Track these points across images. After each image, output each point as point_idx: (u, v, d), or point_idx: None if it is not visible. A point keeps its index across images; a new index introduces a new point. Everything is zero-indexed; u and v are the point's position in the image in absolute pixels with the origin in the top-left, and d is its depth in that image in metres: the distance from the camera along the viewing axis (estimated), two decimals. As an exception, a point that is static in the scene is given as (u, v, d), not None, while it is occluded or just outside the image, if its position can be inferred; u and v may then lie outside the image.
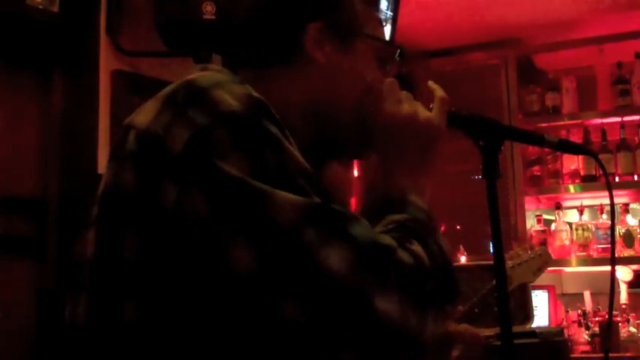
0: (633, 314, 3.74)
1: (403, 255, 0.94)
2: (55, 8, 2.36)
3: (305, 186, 0.93)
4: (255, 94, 0.98)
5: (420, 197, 1.08)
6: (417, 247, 0.97)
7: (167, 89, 1.01)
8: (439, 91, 1.16)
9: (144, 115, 0.99)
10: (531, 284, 2.97)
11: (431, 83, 1.17)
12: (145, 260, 0.94)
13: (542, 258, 2.44)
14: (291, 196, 0.90)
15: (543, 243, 3.87)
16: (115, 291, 0.97)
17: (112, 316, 0.96)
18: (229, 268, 0.90)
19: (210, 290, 0.92)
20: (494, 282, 1.27)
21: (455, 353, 2.21)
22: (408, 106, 1.12)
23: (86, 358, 1.00)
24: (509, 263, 2.34)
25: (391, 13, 3.10)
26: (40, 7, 2.33)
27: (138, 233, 0.95)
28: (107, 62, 2.51)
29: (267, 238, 0.89)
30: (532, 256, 2.43)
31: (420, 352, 0.95)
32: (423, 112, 1.12)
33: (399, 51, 1.23)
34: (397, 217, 1.03)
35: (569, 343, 3.52)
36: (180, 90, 0.99)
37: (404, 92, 1.15)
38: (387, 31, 3.10)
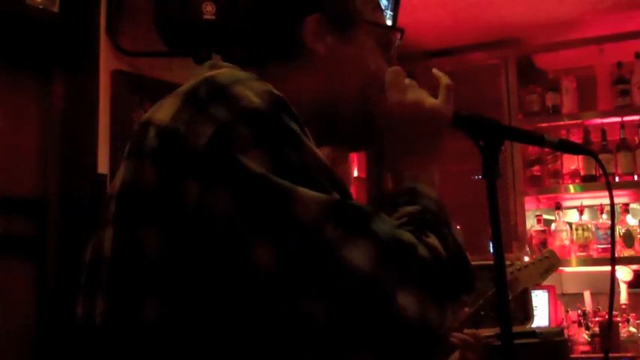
0: (633, 314, 3.74)
1: (422, 250, 0.94)
2: (55, 8, 2.36)
3: (325, 183, 0.92)
4: (275, 91, 0.97)
5: (430, 186, 1.08)
6: (433, 240, 0.97)
7: (187, 86, 1.00)
8: (444, 79, 1.15)
9: (164, 111, 0.98)
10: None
11: (436, 71, 1.17)
12: (166, 257, 0.93)
13: (550, 260, 2.43)
14: (312, 193, 0.90)
15: (543, 243, 3.87)
16: (135, 289, 0.95)
17: (132, 315, 0.95)
18: (252, 264, 0.89)
19: (233, 287, 0.91)
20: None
21: (454, 356, 2.22)
22: (413, 93, 1.12)
23: (105, 357, 0.99)
24: (516, 264, 2.33)
25: (391, 13, 3.10)
26: (40, 7, 2.33)
27: (159, 230, 0.93)
28: (107, 62, 2.51)
29: (290, 234, 0.89)
30: (539, 258, 2.42)
31: (439, 345, 0.95)
32: (428, 100, 1.12)
33: (400, 35, 1.22)
34: (410, 208, 1.03)
35: (569, 343, 3.52)
36: (200, 87, 0.98)
37: (408, 80, 1.14)
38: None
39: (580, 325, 3.81)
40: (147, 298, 0.93)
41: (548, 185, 4.07)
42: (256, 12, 1.14)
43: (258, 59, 1.12)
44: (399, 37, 1.22)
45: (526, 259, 2.53)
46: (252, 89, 0.95)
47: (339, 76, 1.13)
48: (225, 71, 1.03)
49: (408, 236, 0.94)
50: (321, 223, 0.89)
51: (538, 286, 3.68)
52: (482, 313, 2.20)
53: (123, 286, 0.97)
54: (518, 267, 2.34)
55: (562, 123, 4.05)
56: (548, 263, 2.42)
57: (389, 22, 3.08)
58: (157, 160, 0.95)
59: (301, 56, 1.11)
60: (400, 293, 0.89)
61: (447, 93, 1.13)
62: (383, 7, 1.21)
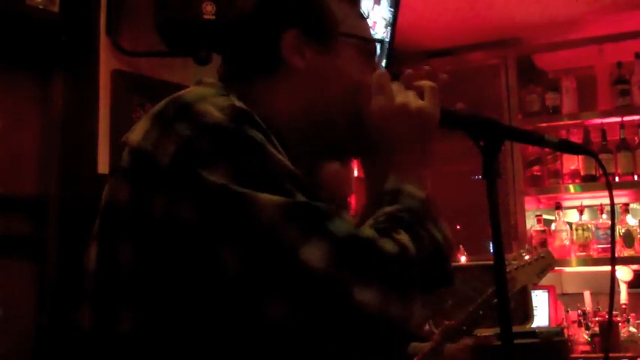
0: (633, 314, 3.74)
1: (386, 244, 0.97)
2: (55, 8, 2.35)
3: (289, 187, 0.95)
4: (238, 103, 1.01)
5: (417, 186, 1.09)
6: (402, 236, 0.99)
7: (156, 107, 1.05)
8: (427, 82, 1.15)
9: (136, 132, 1.03)
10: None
11: (417, 82, 1.17)
12: (139, 270, 0.98)
13: (546, 260, 2.44)
14: (271, 196, 0.93)
15: (543, 243, 3.87)
16: (113, 301, 1.01)
17: (111, 325, 1.00)
18: (219, 271, 0.93)
19: (203, 294, 0.95)
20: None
21: None
22: (399, 97, 1.12)
23: None
24: (512, 264, 2.34)
25: (392, 10, 3.10)
26: (40, 7, 2.32)
27: (133, 245, 0.98)
28: (107, 62, 2.51)
29: (250, 238, 0.92)
30: (535, 258, 2.43)
31: (406, 337, 0.98)
32: (415, 102, 1.12)
33: (381, 44, 1.23)
34: (389, 208, 1.05)
35: (569, 343, 3.52)
36: (167, 106, 1.03)
37: (394, 83, 1.14)
38: (387, 31, 3.10)
39: (580, 325, 3.81)
40: (123, 310, 0.99)
41: (548, 185, 4.07)
42: (235, 29, 1.16)
43: (241, 75, 1.14)
44: (380, 47, 1.23)
45: (526, 257, 2.53)
46: (214, 105, 0.99)
47: (320, 89, 1.14)
48: (193, 89, 1.07)
49: (367, 233, 0.97)
50: (279, 224, 0.92)
51: (538, 286, 3.68)
52: (480, 312, 2.21)
53: (103, 298, 1.03)
54: (515, 266, 2.35)
55: (562, 123, 4.05)
56: (545, 263, 2.43)
57: (389, 25, 3.08)
58: (129, 180, 1.01)
59: (282, 71, 1.13)
60: (357, 289, 0.92)
61: (432, 93, 1.13)
62: (365, 15, 1.22)
